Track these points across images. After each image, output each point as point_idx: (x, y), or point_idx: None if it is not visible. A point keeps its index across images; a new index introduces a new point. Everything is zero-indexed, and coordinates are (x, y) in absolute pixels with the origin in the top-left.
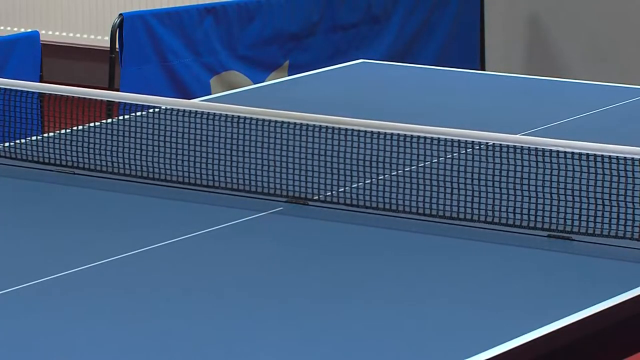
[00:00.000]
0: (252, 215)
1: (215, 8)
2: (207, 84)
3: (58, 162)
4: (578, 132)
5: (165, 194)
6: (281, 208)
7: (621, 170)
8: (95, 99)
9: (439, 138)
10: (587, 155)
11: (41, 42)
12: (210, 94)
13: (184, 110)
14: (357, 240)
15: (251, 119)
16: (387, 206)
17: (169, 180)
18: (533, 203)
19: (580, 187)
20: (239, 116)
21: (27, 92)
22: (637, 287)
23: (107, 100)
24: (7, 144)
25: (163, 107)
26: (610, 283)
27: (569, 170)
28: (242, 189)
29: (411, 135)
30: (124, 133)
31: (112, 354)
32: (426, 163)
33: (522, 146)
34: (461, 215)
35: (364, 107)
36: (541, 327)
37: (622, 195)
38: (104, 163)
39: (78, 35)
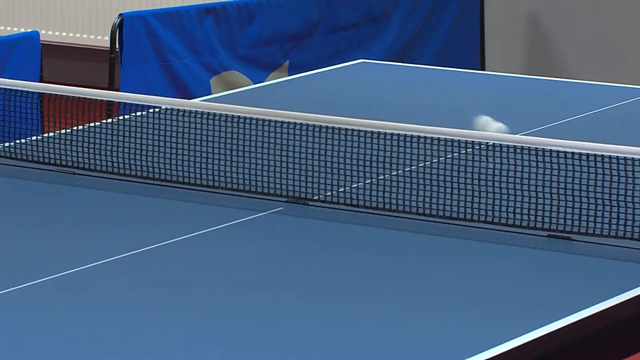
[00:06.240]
0: (252, 215)
1: (215, 8)
2: (207, 84)
3: (58, 162)
4: (578, 132)
5: (165, 194)
6: (281, 208)
7: (621, 170)
8: (95, 99)
9: (439, 138)
10: (587, 155)
11: (41, 42)
12: (210, 94)
13: (184, 110)
14: (357, 240)
15: (251, 119)
16: (387, 206)
17: (169, 180)
18: (533, 203)
19: (580, 187)
20: (239, 116)
21: (27, 92)
22: (637, 287)
23: (107, 100)
24: (7, 144)
25: (163, 107)
26: (610, 283)
27: (569, 170)
28: (242, 189)
29: (411, 135)
30: (124, 133)
31: (113, 353)
32: (426, 163)
33: (522, 146)
34: (461, 215)
35: (364, 107)
36: (541, 327)
37: (622, 195)
38: (104, 163)
39: (78, 35)
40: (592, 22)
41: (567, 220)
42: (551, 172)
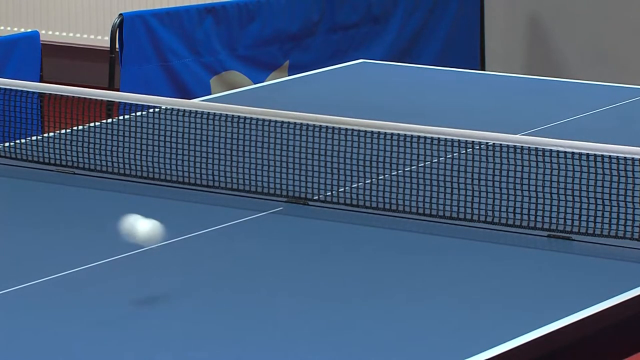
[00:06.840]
0: (252, 215)
1: (215, 8)
2: (207, 84)
3: (58, 162)
4: (578, 132)
5: (165, 194)
6: (281, 208)
7: (621, 170)
8: (95, 99)
9: (439, 138)
10: (587, 155)
11: (41, 42)
12: (210, 94)
13: (184, 110)
14: (357, 240)
15: (251, 119)
16: (387, 206)
17: (169, 180)
18: (533, 203)
19: (580, 187)
20: (239, 116)
21: (27, 92)
22: (637, 287)
23: (107, 100)
24: (7, 144)
25: (163, 107)
26: (610, 283)
27: (569, 170)
28: (242, 189)
29: (411, 135)
30: (124, 133)
31: (112, 353)
32: (426, 163)
33: (522, 146)
34: (461, 215)
35: (364, 107)
36: (541, 327)
37: (622, 195)
38: (104, 163)
39: (78, 35)
40: (592, 22)
41: (567, 220)
42: (551, 172)
